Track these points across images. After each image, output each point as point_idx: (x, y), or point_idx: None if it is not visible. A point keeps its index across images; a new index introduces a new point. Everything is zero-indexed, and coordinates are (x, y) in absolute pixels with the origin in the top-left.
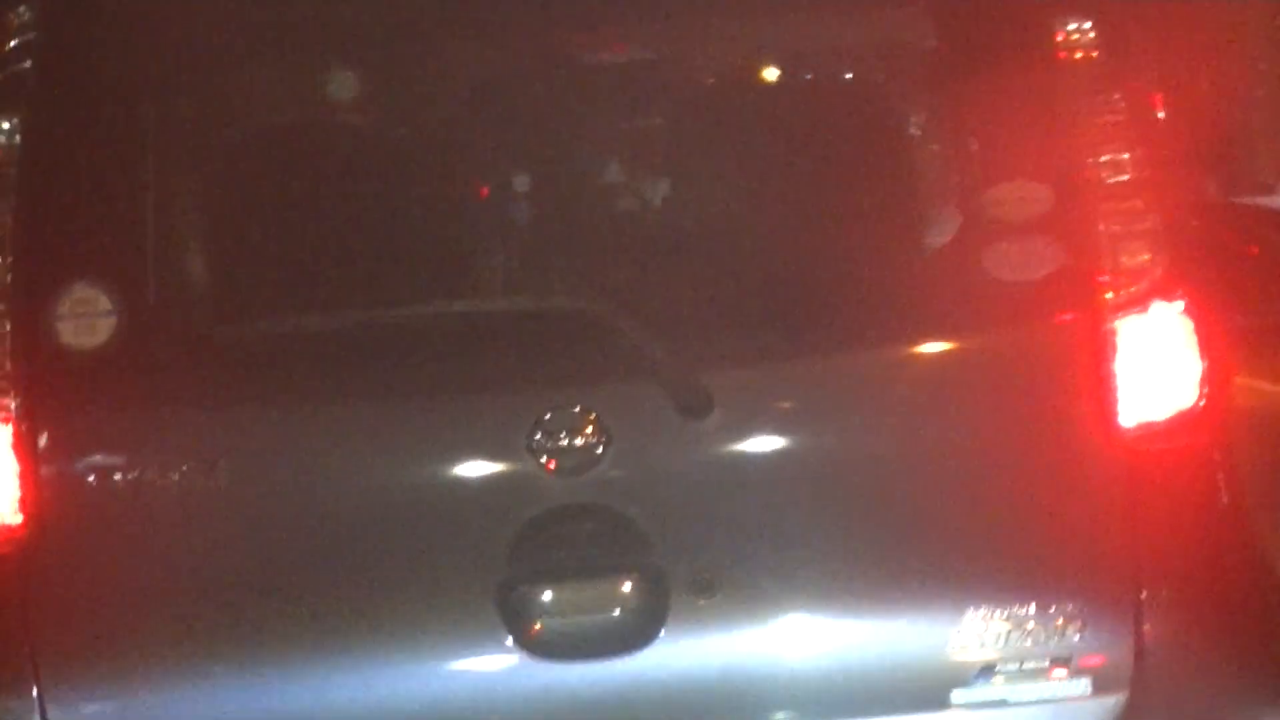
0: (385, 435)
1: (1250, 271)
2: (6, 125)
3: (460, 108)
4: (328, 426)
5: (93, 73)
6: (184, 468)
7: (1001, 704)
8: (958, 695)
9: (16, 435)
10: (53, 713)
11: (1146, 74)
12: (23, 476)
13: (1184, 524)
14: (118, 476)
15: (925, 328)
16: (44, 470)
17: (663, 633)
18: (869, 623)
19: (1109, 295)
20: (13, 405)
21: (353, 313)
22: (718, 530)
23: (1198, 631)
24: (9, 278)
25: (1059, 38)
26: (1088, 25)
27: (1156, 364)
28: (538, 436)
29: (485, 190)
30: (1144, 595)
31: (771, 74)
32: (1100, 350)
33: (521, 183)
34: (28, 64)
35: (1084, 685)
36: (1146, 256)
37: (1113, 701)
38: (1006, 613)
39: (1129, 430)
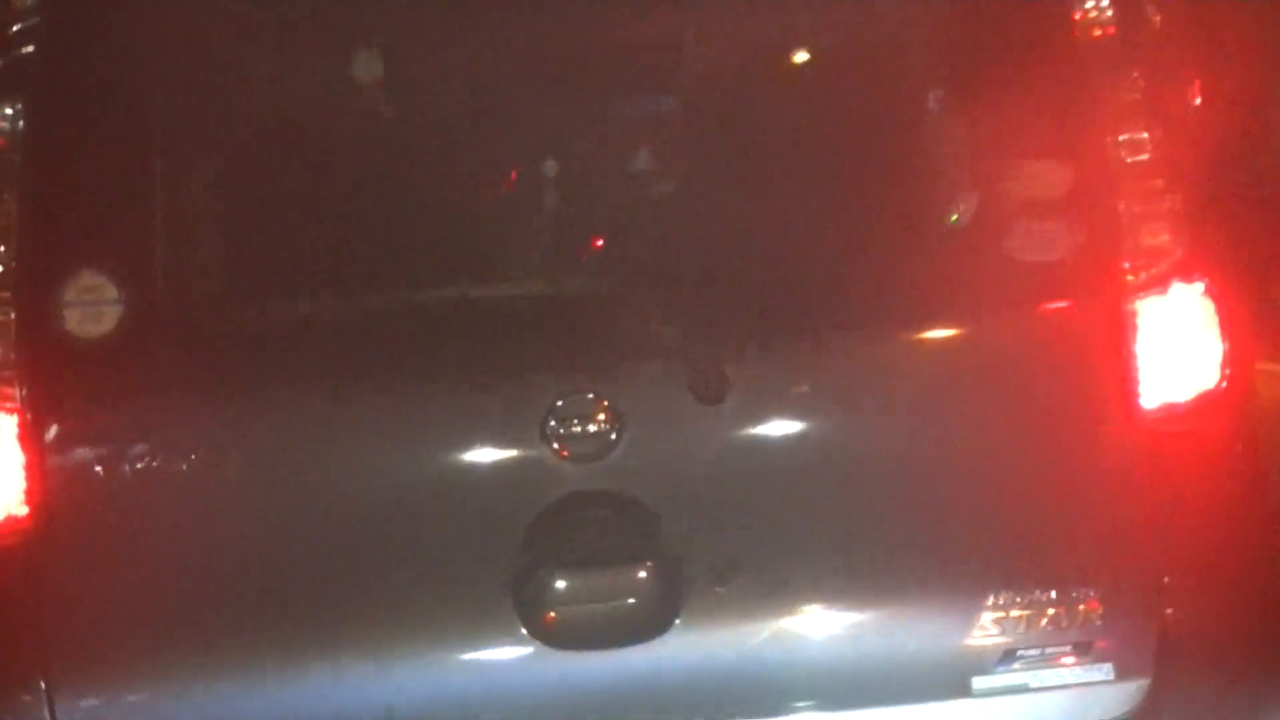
0: (397, 424)
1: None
2: (10, 111)
3: (470, 93)
4: (339, 415)
5: (98, 58)
6: (193, 458)
7: (1023, 689)
8: (979, 682)
9: (22, 426)
10: (61, 703)
11: (1185, 61)
12: (28, 468)
13: (1206, 507)
14: (125, 467)
15: (943, 310)
16: (50, 461)
17: (678, 621)
18: (888, 609)
19: (1129, 276)
20: (18, 395)
21: (363, 301)
22: (734, 517)
23: (1220, 615)
24: (13, 265)
25: (1076, 16)
26: (1105, 3)
27: (1177, 345)
28: (551, 423)
29: (495, 177)
30: (1166, 579)
31: (786, 57)
32: (1120, 332)
33: (532, 168)
34: (31, 49)
35: (1106, 670)
36: (1166, 237)
37: (1135, 686)
38: (1027, 598)
39: (1150, 412)
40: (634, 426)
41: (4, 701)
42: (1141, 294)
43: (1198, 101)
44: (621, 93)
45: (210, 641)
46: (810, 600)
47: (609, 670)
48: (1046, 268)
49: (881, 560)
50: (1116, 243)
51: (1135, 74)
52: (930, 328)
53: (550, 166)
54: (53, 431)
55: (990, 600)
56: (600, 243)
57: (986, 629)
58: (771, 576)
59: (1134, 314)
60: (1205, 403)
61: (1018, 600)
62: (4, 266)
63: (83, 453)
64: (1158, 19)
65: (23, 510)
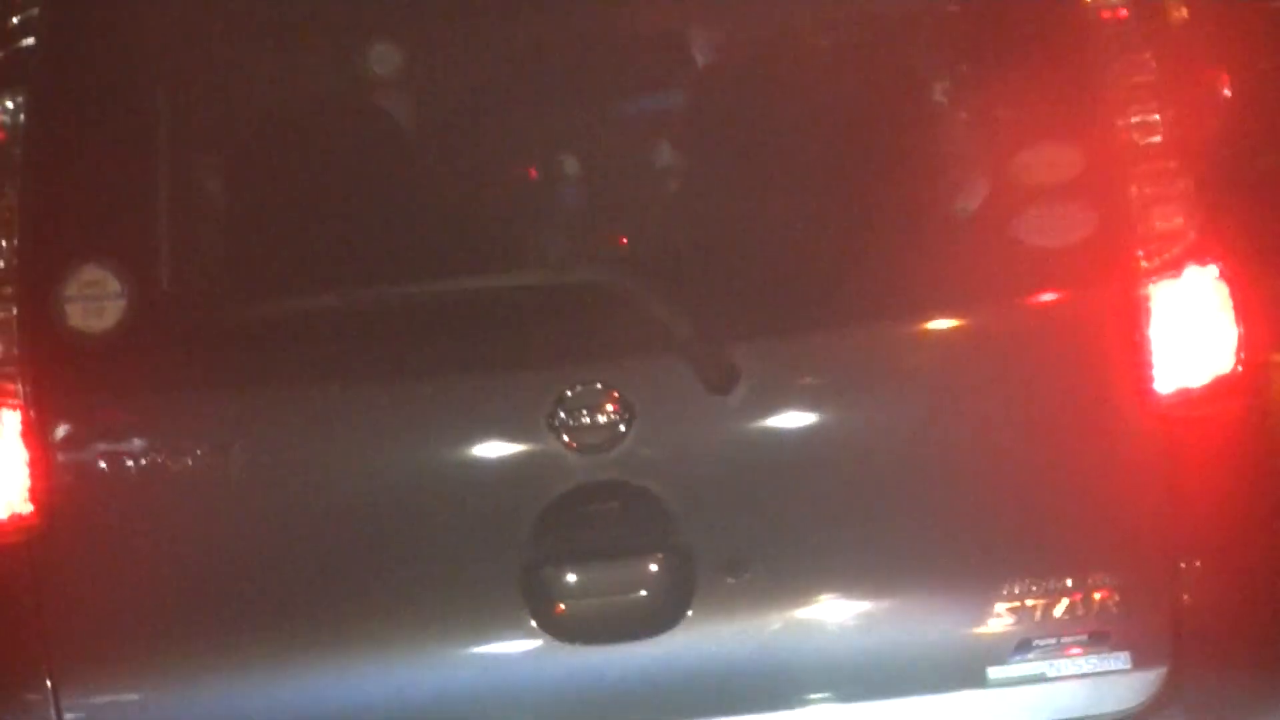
0: (404, 416)
1: None
2: (10, 104)
3: (477, 82)
4: (345, 408)
5: (100, 49)
6: (198, 453)
7: (1039, 679)
8: (994, 672)
9: (26, 422)
10: (67, 702)
11: (1216, 54)
12: (32, 465)
13: (1222, 492)
14: (130, 463)
15: (954, 298)
16: (54, 458)
17: (690, 613)
18: (903, 600)
19: (1142, 260)
20: (21, 391)
21: (370, 293)
22: (746, 507)
23: (1238, 601)
24: (15, 260)
25: None
26: None
27: (1192, 330)
28: (559, 414)
29: (504, 167)
30: (1182, 565)
31: (796, 44)
32: (1134, 317)
33: (541, 158)
34: (31, 41)
35: (1123, 659)
36: (1180, 220)
37: (1153, 675)
38: (1042, 587)
39: (1165, 398)
40: (643, 417)
41: (9, 700)
42: (1155, 278)
43: (1227, 93)
44: (632, 81)
45: (217, 638)
46: (823, 591)
47: (620, 664)
48: (1058, 253)
49: (895, 550)
50: (1129, 227)
51: (1147, 56)
52: (941, 316)
53: (559, 156)
54: (57, 428)
55: (1005, 589)
56: (609, 232)
57: (1002, 618)
58: (784, 568)
59: (1147, 299)
60: (1220, 388)
61: (1033, 589)
62: (5, 262)
63: (87, 449)
64: (1184, 10)
65: (27, 508)
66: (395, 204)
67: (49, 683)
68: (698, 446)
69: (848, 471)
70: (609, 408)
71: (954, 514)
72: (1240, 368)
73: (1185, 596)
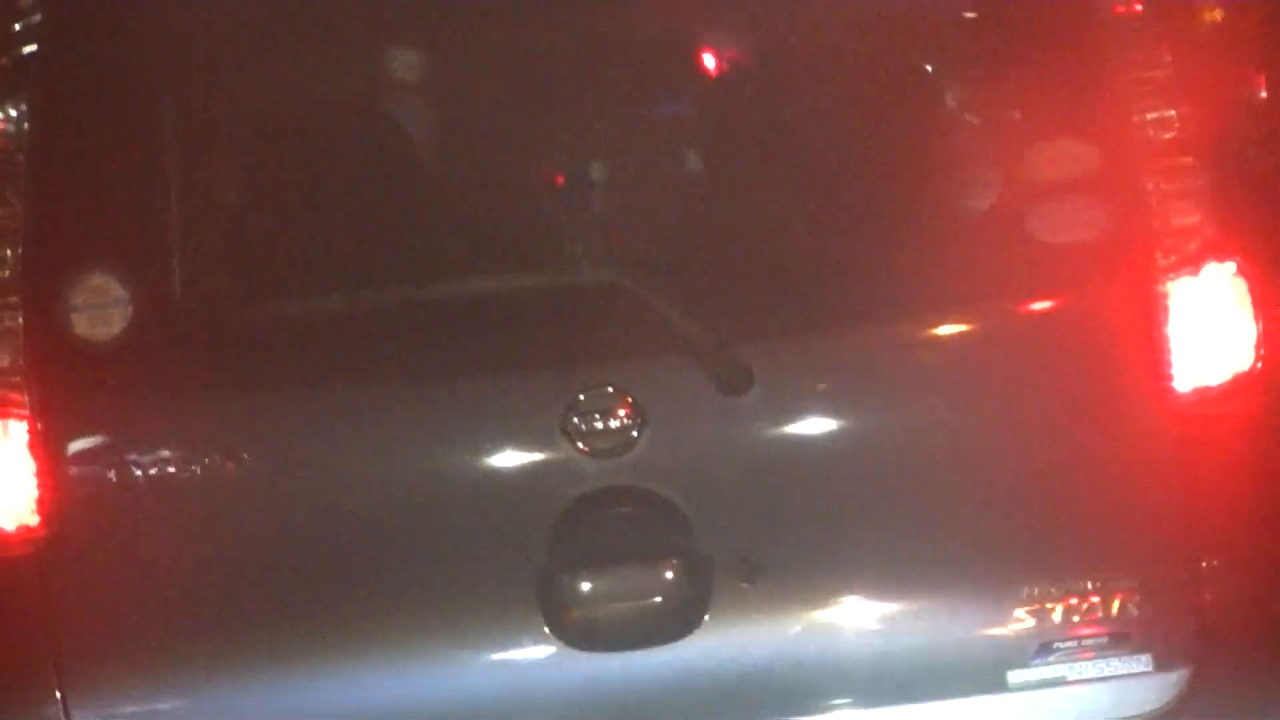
0: (415, 420)
1: None
2: (13, 111)
3: (487, 84)
4: (355, 414)
5: (103, 54)
6: (208, 460)
7: (1060, 683)
8: (1015, 676)
9: (32, 432)
10: (77, 713)
11: (1253, 54)
12: (39, 475)
13: (1244, 491)
14: (138, 472)
15: (970, 297)
16: (61, 468)
17: (706, 619)
18: (921, 603)
19: (1159, 257)
20: (27, 401)
21: (380, 297)
22: (762, 511)
23: (1261, 601)
24: (20, 268)
25: None
26: None
27: (1210, 327)
28: (572, 419)
29: (514, 169)
30: (1204, 565)
31: (808, 41)
32: (1152, 314)
33: (550, 159)
34: (33, 47)
35: (1144, 661)
36: (1197, 216)
37: (1175, 677)
38: (1062, 589)
39: (1184, 396)
40: (657, 420)
41: (19, 712)
42: (1173, 275)
43: (1263, 95)
44: (645, 84)
45: (228, 645)
46: (842, 595)
47: (635, 671)
48: (1075, 250)
49: (913, 553)
50: (1146, 223)
51: (1164, 53)
52: (956, 316)
53: (571, 158)
54: (63, 438)
55: (1025, 592)
56: (620, 234)
57: (1021, 621)
58: (801, 572)
59: (1165, 296)
60: (1240, 385)
61: (1053, 591)
62: (10, 270)
63: (94, 459)
64: (1217, 12)
65: (34, 519)
66: (405, 207)
67: (58, 694)
68: (712, 450)
69: (864, 473)
70: (622, 412)
71: (972, 516)
72: (1260, 365)
73: (1207, 597)
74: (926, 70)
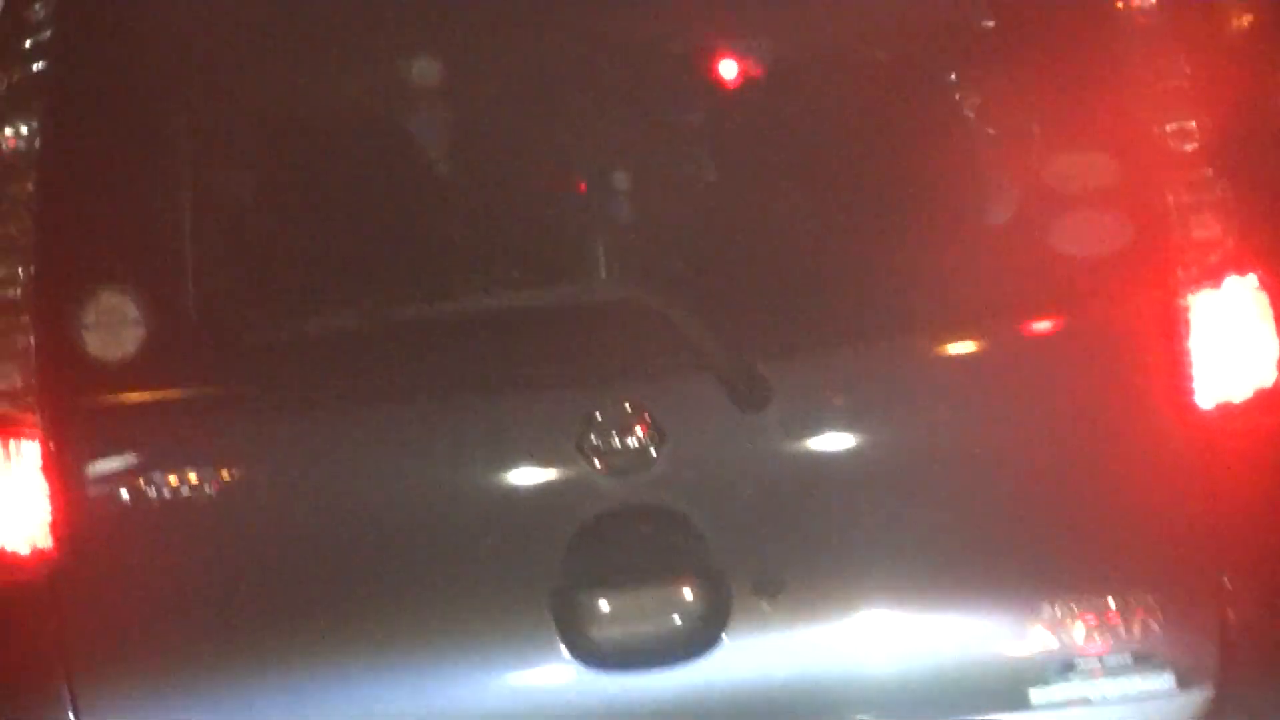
0: (429, 437)
1: None
2: (24, 128)
3: (503, 98)
4: (372, 431)
5: (115, 69)
6: (224, 480)
7: (1083, 702)
8: (1037, 694)
9: (45, 454)
10: None
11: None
12: (53, 497)
13: (1266, 507)
14: (152, 493)
15: (989, 310)
16: (74, 489)
17: (725, 638)
18: (942, 621)
19: (1179, 270)
20: (40, 422)
21: (395, 313)
22: (780, 529)
23: None
24: (31, 287)
25: (1120, 4)
26: None
27: (1232, 341)
28: (589, 437)
29: (528, 184)
30: (1227, 583)
31: (822, 54)
32: (1172, 328)
33: (566, 173)
34: (43, 62)
35: (1167, 680)
36: (1218, 228)
37: (1199, 696)
38: (1084, 606)
39: (1206, 412)
40: (675, 438)
41: None
42: (1193, 288)
43: None
44: (660, 95)
45: (244, 664)
46: (861, 613)
47: (653, 690)
48: (1095, 263)
49: (933, 570)
50: (1166, 236)
51: (1183, 62)
52: (976, 328)
53: (587, 174)
54: (77, 459)
55: (1046, 609)
56: (635, 249)
57: (1043, 639)
58: (820, 590)
59: (1186, 309)
60: (1263, 400)
61: (1074, 608)
62: (22, 288)
63: (108, 480)
64: (1246, 18)
65: (48, 541)
66: (421, 223)
67: (72, 717)
68: (731, 466)
69: (883, 490)
70: (639, 429)
71: (993, 532)
72: None
73: (1231, 614)
74: (947, 81)
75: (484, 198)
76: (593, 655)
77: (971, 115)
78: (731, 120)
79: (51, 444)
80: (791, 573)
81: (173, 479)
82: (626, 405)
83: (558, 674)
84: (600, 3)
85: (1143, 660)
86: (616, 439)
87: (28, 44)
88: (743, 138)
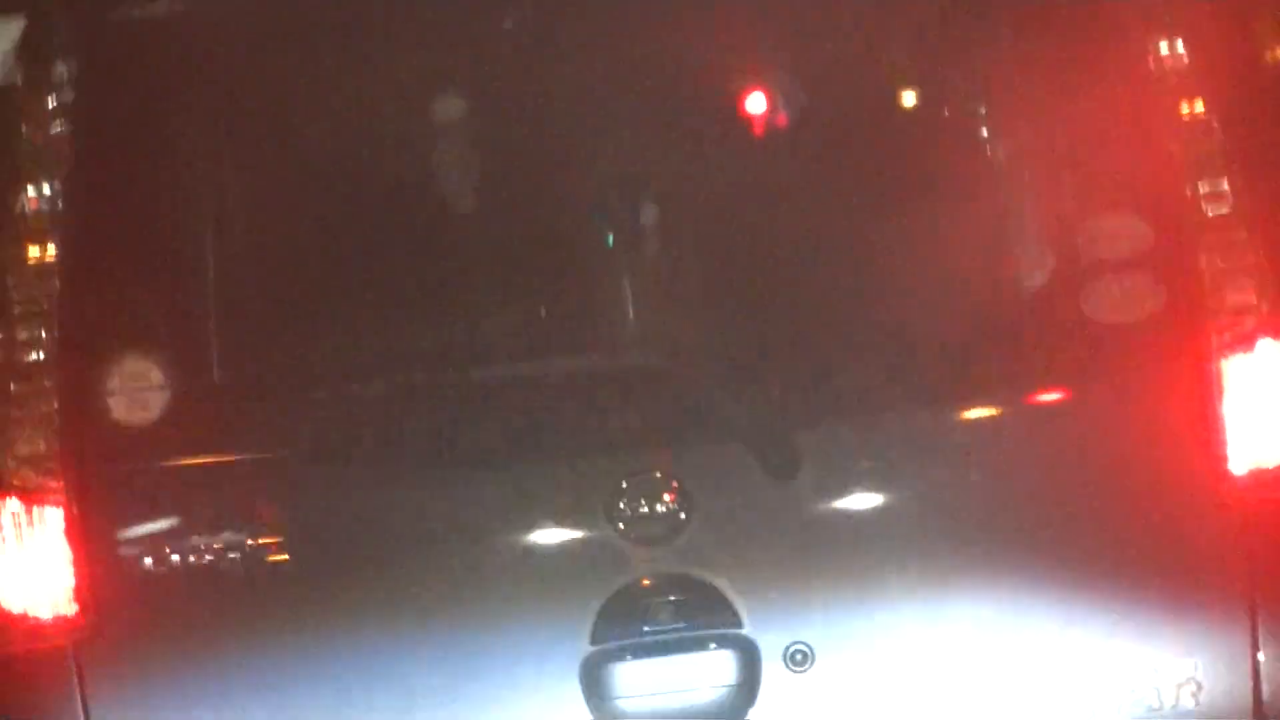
0: (461, 504)
1: None
2: (48, 190)
3: (533, 168)
4: (400, 495)
5: (138, 133)
6: (249, 545)
7: None
8: None
9: (68, 519)
10: None
11: None
12: (76, 563)
13: None
14: (176, 558)
15: (1021, 375)
16: (98, 555)
17: (755, 708)
18: (972, 691)
19: (1213, 335)
20: (63, 488)
21: (426, 380)
22: (811, 597)
23: None
24: (56, 352)
25: (1151, 63)
26: (1180, 49)
27: (1265, 406)
28: (619, 504)
29: (558, 251)
30: (1261, 655)
31: (851, 119)
32: (1206, 393)
33: (594, 240)
34: (68, 125)
35: None
36: (1252, 293)
37: None
38: (1118, 677)
39: (1240, 478)
40: (704, 505)
41: None
42: (1227, 353)
43: None
44: (686, 165)
45: None
46: (893, 683)
47: None
48: (1128, 329)
49: (963, 640)
50: (1199, 300)
51: (1216, 125)
52: (1007, 394)
53: (617, 241)
54: (101, 525)
55: (1078, 676)
56: (666, 317)
57: (1075, 705)
58: (853, 658)
59: (1219, 374)
60: None
61: (1108, 679)
62: (46, 355)
63: (132, 545)
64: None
65: (72, 608)
66: (449, 290)
67: None
68: (761, 535)
69: (914, 557)
70: (668, 497)
71: (1025, 600)
72: None
73: (1265, 686)
74: (982, 145)
75: (516, 264)
76: None
77: (1002, 183)
78: (763, 190)
79: (75, 509)
80: (823, 641)
81: (196, 543)
82: (656, 473)
83: None
84: (627, 72)
85: None
86: (645, 506)
87: (51, 104)
88: (773, 208)
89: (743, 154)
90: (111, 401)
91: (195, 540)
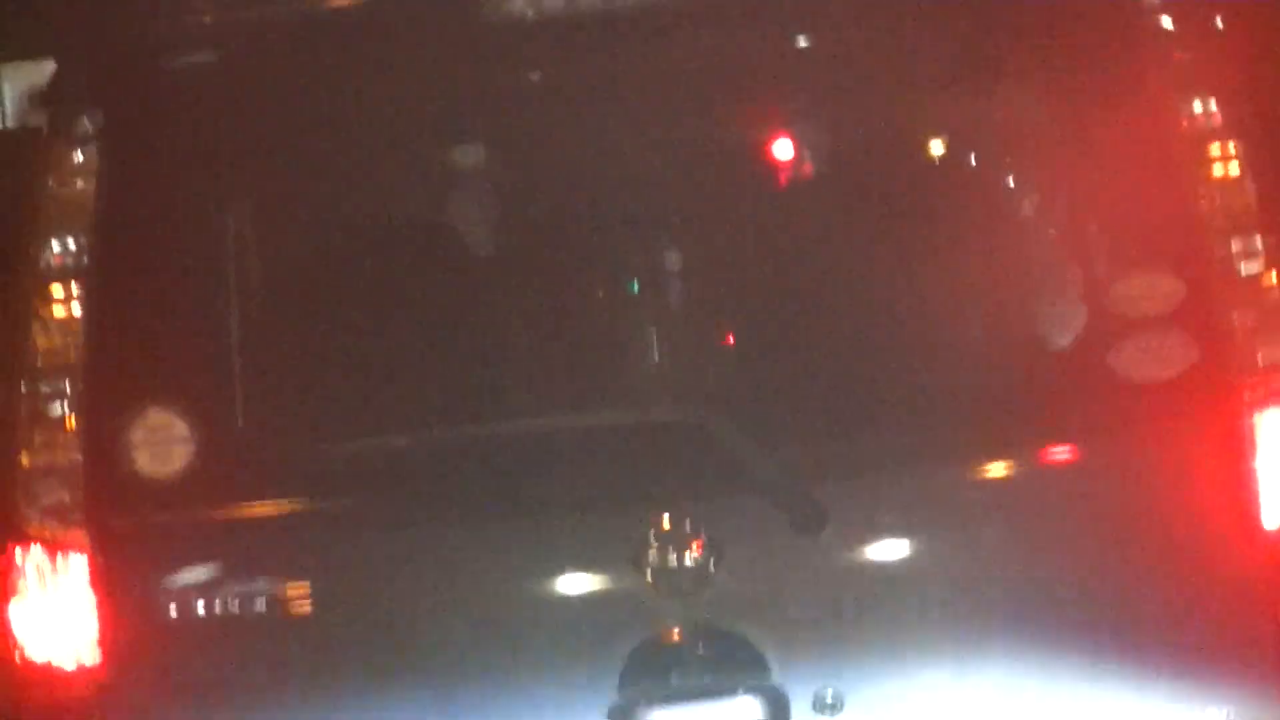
0: (486, 555)
1: None
2: (72, 242)
3: (556, 216)
4: (426, 547)
5: (163, 186)
6: (274, 597)
7: None
8: None
9: (92, 570)
10: None
11: None
12: (100, 613)
13: None
14: (201, 610)
15: (1049, 431)
16: (121, 605)
17: None
18: None
19: (1245, 391)
20: (87, 539)
21: (451, 432)
22: (840, 647)
23: None
24: (80, 403)
25: (1184, 121)
26: (1214, 106)
27: None
28: (647, 555)
29: (581, 303)
30: None
31: (882, 168)
32: (1239, 449)
33: (619, 289)
34: (92, 179)
35: None
36: None
37: None
38: None
39: (1273, 533)
40: (731, 556)
41: None
42: (1259, 409)
43: None
44: (710, 215)
45: None
46: None
47: None
48: (1160, 385)
49: (994, 690)
50: (1231, 356)
51: (1249, 180)
52: (1035, 450)
53: (634, 286)
54: (125, 575)
55: None
56: (692, 370)
57: None
58: (878, 709)
59: (1252, 429)
60: None
61: None
62: (70, 405)
63: (155, 595)
64: None
65: (95, 658)
66: (474, 342)
67: None
68: (788, 585)
69: (942, 609)
70: (695, 547)
71: (1056, 654)
72: None
73: None
74: (1009, 205)
75: (542, 317)
76: None
77: (1035, 235)
78: (794, 243)
79: (99, 560)
80: (852, 690)
81: (219, 595)
82: (684, 524)
83: None
84: (651, 121)
85: None
86: (674, 557)
87: (76, 159)
88: (804, 262)
89: (772, 207)
90: (135, 453)
91: (218, 591)
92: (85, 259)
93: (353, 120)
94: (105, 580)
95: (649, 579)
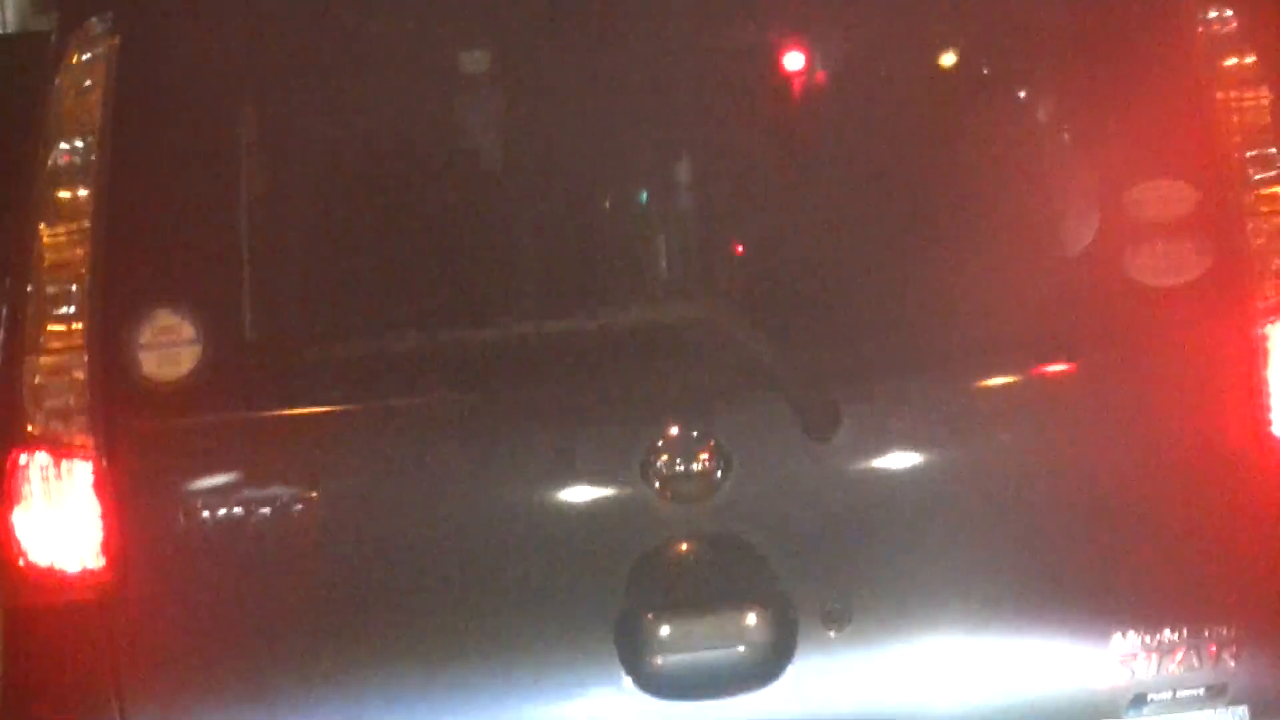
0: (492, 461)
1: None
2: (81, 144)
3: (566, 118)
4: (431, 453)
5: (173, 84)
6: (279, 501)
7: None
8: None
9: (98, 473)
10: None
11: None
12: (105, 517)
13: None
14: (206, 513)
15: (1063, 336)
16: (127, 510)
17: (791, 668)
18: (1012, 652)
19: (1257, 299)
20: (93, 443)
21: (458, 335)
22: (848, 557)
23: None
24: (86, 307)
25: (1201, 30)
26: (1229, 14)
27: None
28: (654, 463)
29: (589, 203)
30: None
31: (897, 75)
32: (1249, 357)
33: (627, 187)
34: (101, 81)
35: (1241, 714)
36: None
37: None
38: (1157, 637)
39: None
40: (740, 464)
41: None
42: (1271, 318)
43: None
44: (725, 111)
45: (297, 687)
46: (929, 644)
47: None
48: (1171, 292)
49: (1004, 600)
50: (1244, 264)
51: (1264, 88)
52: (1050, 356)
53: (650, 191)
54: (130, 479)
55: (1119, 641)
56: (703, 268)
57: (1116, 670)
58: (889, 619)
59: (1265, 338)
60: None
61: (1147, 640)
62: (76, 308)
63: (161, 500)
64: None
65: (100, 562)
66: (481, 243)
67: None
68: (798, 493)
69: (953, 518)
70: (704, 455)
71: (1065, 562)
72: None
73: None
74: (1023, 111)
75: (547, 218)
76: (655, 684)
77: (1048, 146)
78: (805, 142)
79: (104, 464)
80: (859, 601)
81: (225, 499)
82: (692, 431)
83: (619, 703)
84: (666, 12)
85: (1216, 693)
86: (681, 465)
87: (86, 56)
88: (816, 162)
89: (786, 110)
90: (143, 356)
91: (224, 497)
92: (94, 161)
93: (362, 24)
94: (110, 485)
95: (655, 487)
